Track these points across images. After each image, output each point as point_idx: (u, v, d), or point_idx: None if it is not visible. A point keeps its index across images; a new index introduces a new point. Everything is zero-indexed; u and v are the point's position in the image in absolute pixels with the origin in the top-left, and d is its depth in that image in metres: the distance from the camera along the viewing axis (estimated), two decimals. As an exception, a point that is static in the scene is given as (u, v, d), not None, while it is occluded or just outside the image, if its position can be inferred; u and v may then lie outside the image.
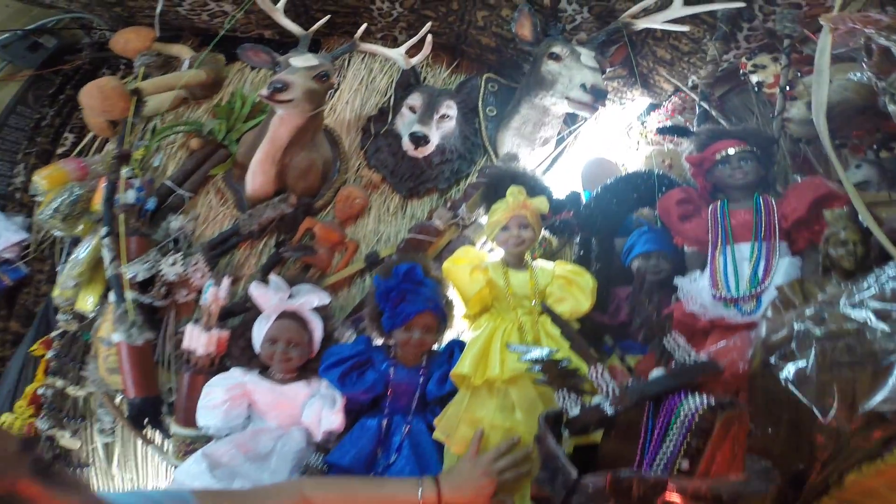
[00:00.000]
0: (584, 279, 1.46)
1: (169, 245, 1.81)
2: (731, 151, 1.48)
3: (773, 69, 1.84)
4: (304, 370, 1.46)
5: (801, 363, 1.08)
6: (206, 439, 1.40)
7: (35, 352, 1.83)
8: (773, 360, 1.13)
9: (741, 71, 1.93)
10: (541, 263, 1.52)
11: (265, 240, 1.84)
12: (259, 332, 1.47)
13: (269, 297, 1.45)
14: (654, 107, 2.16)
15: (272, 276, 1.51)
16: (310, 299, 1.48)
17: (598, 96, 1.68)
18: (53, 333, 1.83)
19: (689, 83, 2.09)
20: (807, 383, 1.06)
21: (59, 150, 2.29)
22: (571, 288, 1.45)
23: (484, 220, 1.63)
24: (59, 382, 1.78)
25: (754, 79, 1.88)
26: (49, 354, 1.80)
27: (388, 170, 1.90)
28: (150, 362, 1.64)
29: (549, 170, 1.96)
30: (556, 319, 1.15)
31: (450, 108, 1.88)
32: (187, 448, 1.50)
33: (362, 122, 2.03)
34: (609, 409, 1.04)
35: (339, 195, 1.83)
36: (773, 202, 1.43)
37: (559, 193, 1.64)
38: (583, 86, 1.70)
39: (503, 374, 1.30)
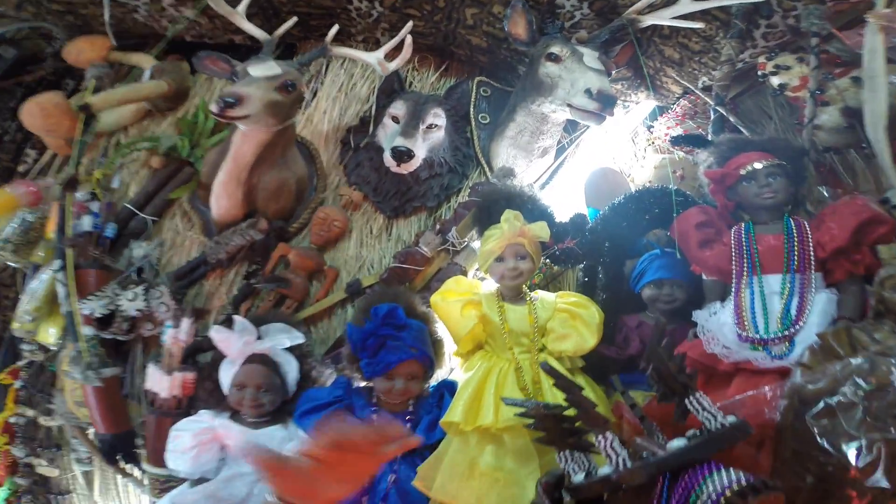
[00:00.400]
0: (590, 312, 1.29)
1: (132, 275, 1.66)
2: (758, 166, 1.29)
3: (799, 70, 1.64)
4: (280, 412, 1.34)
5: (843, 419, 0.92)
6: (181, 479, 1.34)
7: (2, 381, 1.76)
8: (806, 412, 0.97)
9: (760, 72, 1.73)
10: (541, 295, 1.35)
11: (236, 268, 1.66)
12: (226, 377, 1.31)
13: (233, 341, 1.28)
14: (661, 110, 1.97)
15: (236, 318, 1.34)
16: (279, 340, 1.31)
17: (606, 104, 1.48)
18: (20, 363, 1.75)
19: (700, 85, 1.90)
20: (848, 440, 0.90)
21: (21, 168, 2.13)
22: (575, 322, 1.29)
23: (476, 244, 1.45)
24: (30, 412, 1.71)
25: (776, 81, 1.69)
26: (17, 384, 1.73)
27: (371, 187, 1.71)
28: (116, 398, 1.53)
29: (548, 183, 1.78)
30: (559, 382, 0.98)
31: (437, 117, 1.69)
32: (162, 486, 1.43)
33: (341, 133, 1.84)
34: (616, 482, 0.89)
35: (315, 217, 1.65)
36: (807, 226, 1.24)
37: (561, 215, 1.45)
38: (587, 91, 1.50)
39: (497, 424, 1.17)
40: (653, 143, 1.87)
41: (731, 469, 0.81)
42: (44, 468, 1.65)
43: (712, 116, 1.73)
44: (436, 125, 1.69)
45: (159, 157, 1.79)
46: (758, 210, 1.30)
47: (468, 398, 1.21)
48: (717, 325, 1.22)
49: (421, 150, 1.63)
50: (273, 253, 1.61)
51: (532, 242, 1.30)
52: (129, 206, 1.77)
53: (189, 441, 1.26)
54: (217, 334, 1.30)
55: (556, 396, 1.21)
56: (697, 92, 1.81)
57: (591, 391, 1.22)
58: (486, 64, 1.94)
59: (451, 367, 1.47)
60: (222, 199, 1.60)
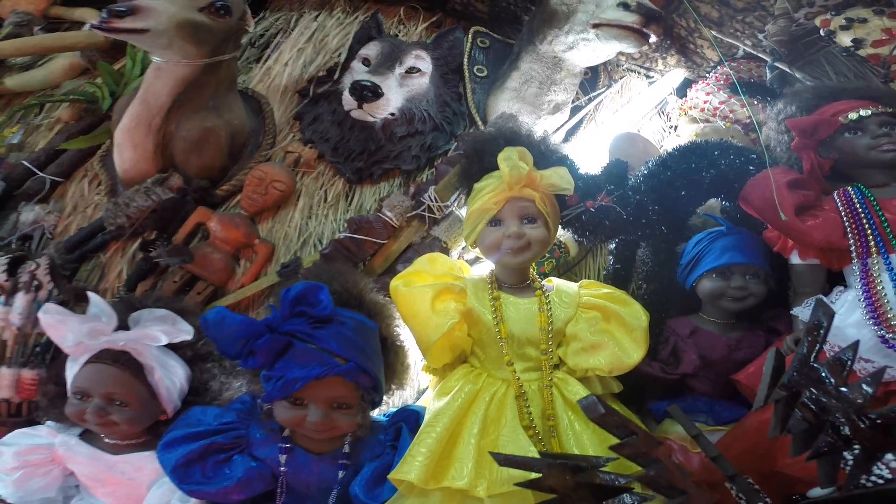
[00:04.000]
0: (632, 311, 0.79)
1: (12, 243, 1.18)
2: (866, 113, 0.86)
3: (879, 23, 1.23)
4: (153, 434, 0.87)
5: None
6: None
7: None
8: None
9: (823, 30, 1.29)
10: (557, 284, 0.83)
11: (143, 238, 1.15)
12: (69, 378, 0.81)
13: (70, 325, 0.77)
14: (690, 81, 1.51)
15: (92, 295, 0.82)
16: (150, 333, 0.79)
17: (649, 17, 1.01)
18: None
19: (741, 52, 1.45)
20: None
21: None
22: (610, 326, 0.78)
23: (463, 211, 0.95)
24: None
25: (846, 38, 1.26)
26: None
27: (329, 145, 1.22)
28: None
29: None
30: (609, 419, 0.46)
31: (420, 60, 1.23)
32: None
33: (302, 85, 1.36)
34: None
35: (249, 177, 1.14)
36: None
37: (588, 166, 0.92)
38: (623, 4, 1.03)
39: (477, 484, 0.66)
40: (687, 111, 1.39)
41: None
42: None
43: (769, 76, 1.27)
44: (417, 69, 1.22)
45: (70, 108, 1.36)
46: (872, 169, 0.85)
47: (435, 441, 0.68)
48: (839, 328, 0.71)
49: (394, 95, 1.15)
50: (188, 219, 1.10)
51: (546, 197, 0.79)
52: (26, 163, 1.30)
53: (11, 461, 0.86)
54: (45, 315, 0.77)
55: (580, 441, 0.69)
56: (750, 50, 1.35)
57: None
58: (485, 14, 1.50)
59: (418, 388, 0.94)
60: (127, 150, 1.13)
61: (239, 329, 0.66)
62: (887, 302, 0.71)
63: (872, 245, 0.75)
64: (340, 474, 0.75)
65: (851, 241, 0.77)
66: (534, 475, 0.53)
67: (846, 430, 0.43)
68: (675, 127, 1.42)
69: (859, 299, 0.73)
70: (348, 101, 1.12)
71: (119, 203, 1.12)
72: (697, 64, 1.55)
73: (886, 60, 1.18)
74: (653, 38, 1.06)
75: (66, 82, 1.47)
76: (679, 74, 1.53)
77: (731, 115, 1.36)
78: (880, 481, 0.43)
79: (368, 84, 1.08)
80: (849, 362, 0.46)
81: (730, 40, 1.41)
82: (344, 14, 1.56)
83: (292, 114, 1.34)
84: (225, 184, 1.19)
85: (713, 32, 1.44)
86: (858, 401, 0.42)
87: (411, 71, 1.21)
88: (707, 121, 1.38)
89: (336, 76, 1.29)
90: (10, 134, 1.44)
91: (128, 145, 1.12)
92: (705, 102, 1.38)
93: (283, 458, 0.73)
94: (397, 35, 1.48)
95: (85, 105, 1.39)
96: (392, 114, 1.16)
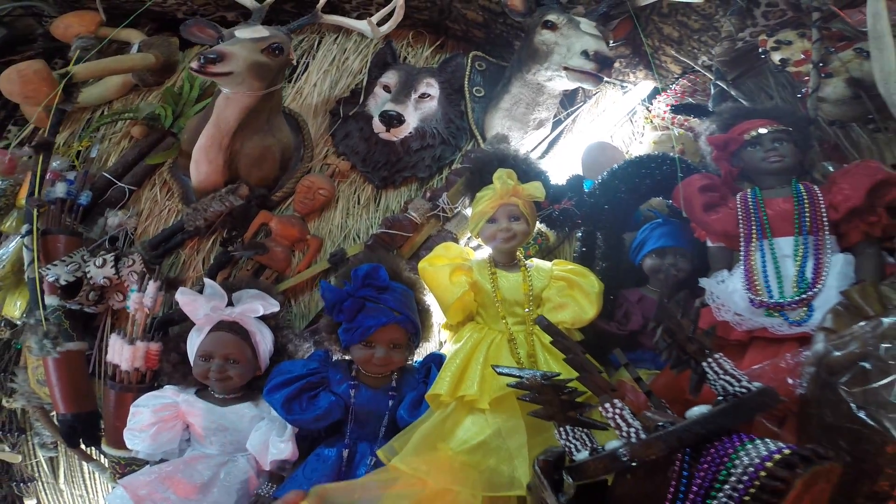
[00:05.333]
0: (589, 281, 1.15)
1: (104, 244, 1.52)
2: (763, 131, 1.20)
3: (801, 45, 1.55)
4: (250, 389, 1.20)
5: (879, 386, 0.78)
6: (144, 461, 1.20)
7: (-33, 359, 1.59)
8: (835, 381, 0.83)
9: (760, 49, 1.63)
10: (536, 263, 1.21)
11: (215, 237, 1.51)
12: (192, 345, 1.15)
13: (200, 304, 1.13)
14: (659, 90, 1.85)
15: (207, 281, 1.19)
16: (252, 307, 1.16)
17: (603, 64, 1.37)
18: (-16, 340, 1.59)
19: (700, 63, 1.79)
20: (886, 410, 0.76)
21: (1, 144, 1.99)
22: (573, 291, 1.14)
23: (468, 211, 1.32)
24: (-7, 393, 1.56)
25: (776, 56, 1.59)
26: (-21, 363, 1.57)
27: (359, 157, 1.58)
28: (80, 375, 1.38)
29: (544, 156, 1.65)
30: (558, 342, 0.83)
31: (430, 87, 1.57)
32: (123, 470, 1.28)
33: (331, 105, 1.71)
34: (629, 458, 0.73)
35: (299, 185, 1.50)
36: (817, 189, 1.12)
37: (557, 178, 1.31)
38: (584, 53, 1.39)
39: (482, 396, 1.00)
40: (651, 120, 1.75)
41: (768, 439, 0.66)
42: (6, 454, 1.52)
43: (712, 91, 1.62)
44: (428, 95, 1.57)
45: (140, 126, 1.66)
46: (764, 175, 1.20)
47: (456, 370, 1.06)
48: (727, 293, 1.08)
49: (412, 118, 1.50)
50: (254, 220, 1.46)
51: (526, 203, 1.17)
52: (106, 174, 1.64)
53: (148, 418, 1.13)
54: (182, 297, 1.14)
55: (552, 369, 1.07)
56: (699, 69, 1.70)
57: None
58: (481, 40, 1.83)
59: (440, 341, 1.32)
60: (202, 165, 1.46)
61: (333, 295, 1.04)
62: (757, 274, 1.07)
63: (754, 233, 1.12)
64: (390, 403, 1.10)
65: (741, 230, 1.14)
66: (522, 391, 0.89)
67: (687, 350, 0.80)
68: (642, 133, 1.78)
69: (741, 273, 1.09)
70: (378, 126, 1.47)
71: (198, 208, 1.47)
72: (663, 76, 1.90)
73: (803, 79, 1.53)
74: (605, 79, 1.41)
75: (141, 102, 1.75)
76: (647, 86, 1.87)
77: (685, 124, 1.71)
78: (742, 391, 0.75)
79: (394, 114, 1.43)
80: (684, 304, 0.83)
81: (685, 59, 1.76)
82: (360, 37, 1.88)
83: (325, 130, 1.68)
84: (278, 191, 1.54)
85: (671, 52, 1.78)
86: (689, 330, 0.80)
87: (423, 96, 1.55)
88: (667, 128, 1.74)
89: (361, 99, 1.64)
90: (86, 145, 1.76)
91: (203, 161, 1.44)
92: (665, 112, 1.74)
93: (352, 392, 1.10)
94: (407, 57, 1.82)
95: (148, 122, 1.71)
96: (409, 133, 1.52)
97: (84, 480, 1.53)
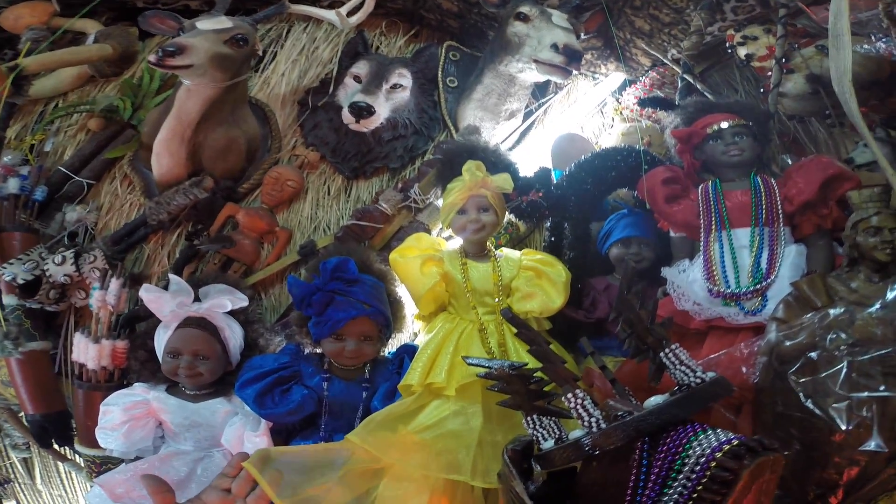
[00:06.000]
0: (556, 271, 1.17)
1: (63, 240, 1.47)
2: (724, 125, 1.24)
3: (766, 41, 1.59)
4: (222, 384, 1.18)
5: (825, 375, 0.83)
6: (118, 459, 1.19)
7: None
8: (786, 370, 0.88)
9: (728, 44, 1.67)
10: (506, 253, 1.22)
11: (179, 231, 1.47)
12: (160, 342, 1.13)
13: (165, 301, 1.10)
14: (629, 82, 1.88)
15: (172, 277, 1.16)
16: (220, 302, 1.14)
17: (571, 57, 1.38)
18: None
19: (670, 56, 1.82)
20: (831, 399, 0.81)
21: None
22: (541, 281, 1.17)
23: (440, 202, 1.32)
24: (-44, 396, 1.50)
25: (742, 52, 1.64)
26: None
27: (329, 148, 1.55)
28: (46, 374, 1.36)
29: (515, 146, 1.66)
30: (522, 332, 0.85)
31: (402, 77, 1.55)
32: (99, 468, 1.27)
33: (300, 95, 1.67)
34: (591, 447, 0.76)
35: (267, 177, 1.48)
36: (773, 182, 1.17)
37: (526, 171, 1.33)
38: (554, 45, 1.40)
39: (449, 384, 1.02)
40: (620, 112, 1.78)
41: (720, 430, 0.69)
42: None
43: (679, 85, 1.66)
44: (400, 85, 1.55)
45: (97, 118, 1.60)
46: (724, 168, 1.24)
47: (427, 360, 1.07)
48: (687, 282, 1.13)
49: (383, 109, 1.49)
50: (220, 213, 1.43)
51: (495, 195, 1.18)
52: (62, 168, 1.57)
53: (119, 416, 1.11)
54: (147, 294, 1.11)
55: (522, 359, 1.09)
56: (668, 62, 1.73)
57: (558, 352, 1.10)
58: (456, 30, 1.82)
59: (413, 333, 1.33)
60: (164, 158, 1.42)
61: (300, 290, 1.03)
62: (715, 265, 1.12)
63: (713, 224, 1.16)
64: (364, 395, 1.10)
65: (701, 221, 1.18)
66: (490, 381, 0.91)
67: (645, 341, 0.83)
68: (612, 125, 1.81)
69: (701, 263, 1.14)
70: (347, 117, 1.45)
71: (161, 202, 1.43)
72: (633, 69, 1.92)
73: (765, 73, 1.58)
74: (574, 72, 1.43)
75: (98, 94, 1.68)
76: (618, 78, 1.90)
77: (653, 116, 1.75)
78: (697, 381, 0.79)
79: (363, 105, 1.42)
80: (642, 294, 0.86)
81: (654, 52, 1.79)
82: (331, 27, 1.83)
83: (293, 120, 1.65)
84: (245, 182, 1.51)
85: (642, 44, 1.81)
86: (647, 321, 0.83)
87: (395, 87, 1.54)
88: (635, 120, 1.77)
89: (331, 89, 1.61)
90: (40, 139, 1.68)
91: (165, 154, 1.40)
92: (634, 104, 1.77)
93: (325, 384, 1.10)
94: (379, 47, 1.79)
95: (106, 114, 1.65)
96: (381, 123, 1.50)
97: (62, 480, 1.51)
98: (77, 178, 1.55)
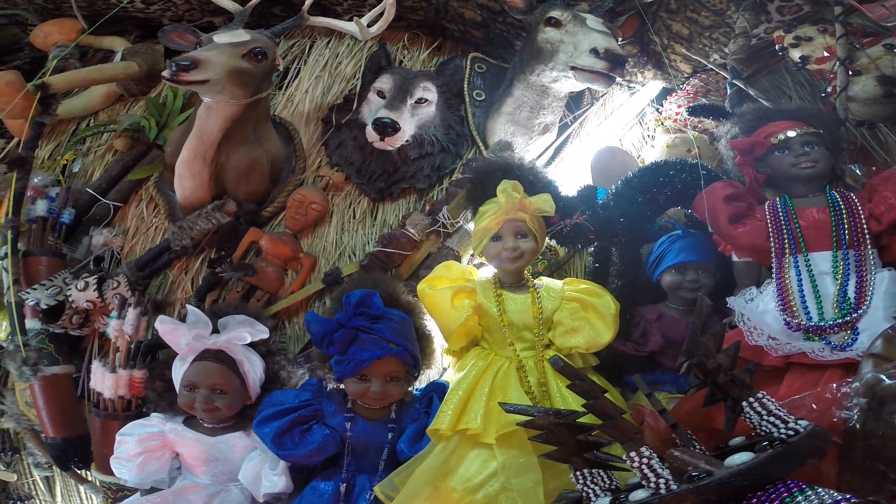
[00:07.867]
0: (604, 302, 1.05)
1: (88, 265, 1.45)
2: (792, 134, 1.10)
3: (822, 41, 1.43)
4: (241, 417, 1.13)
5: None
6: (134, 487, 1.16)
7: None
8: (885, 411, 0.73)
9: (777, 46, 1.52)
10: (546, 282, 1.10)
11: (203, 257, 1.42)
12: (176, 375, 1.08)
13: (181, 333, 1.04)
14: (667, 91, 1.75)
15: (189, 307, 1.09)
16: (239, 334, 1.07)
17: (615, 63, 1.26)
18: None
19: (713, 61, 1.68)
20: None
21: (-18, 159, 1.92)
22: (587, 314, 1.04)
23: (471, 225, 1.22)
24: (-18, 415, 1.52)
25: (796, 54, 1.48)
26: (-33, 384, 1.54)
27: (354, 168, 1.48)
28: (68, 398, 1.33)
29: (551, 163, 1.54)
30: (576, 385, 0.73)
31: (427, 91, 1.47)
32: (115, 495, 1.26)
33: (324, 112, 1.61)
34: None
35: (290, 200, 1.41)
36: (854, 197, 1.02)
37: (566, 190, 1.21)
38: (594, 50, 1.28)
39: (486, 430, 0.91)
40: (663, 122, 1.64)
41: (822, 488, 0.56)
42: (1, 472, 1.47)
43: (729, 91, 1.51)
44: (426, 100, 1.47)
45: (122, 138, 1.58)
46: (794, 182, 1.09)
47: (458, 402, 0.96)
48: (757, 313, 0.98)
49: (408, 126, 1.40)
50: (243, 239, 1.37)
51: (534, 218, 1.07)
52: (90, 190, 1.56)
53: (134, 448, 1.08)
54: (162, 325, 1.05)
55: (566, 401, 0.97)
56: (712, 66, 1.59)
57: (612, 396, 0.97)
58: (480, 40, 1.73)
59: (443, 368, 1.22)
60: (186, 180, 1.37)
61: (320, 327, 0.94)
62: (792, 294, 0.97)
63: (786, 247, 1.01)
64: (389, 436, 1.01)
65: (772, 244, 1.03)
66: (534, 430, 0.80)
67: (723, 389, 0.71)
68: (653, 136, 1.67)
69: (774, 291, 0.99)
70: (371, 135, 1.37)
71: (184, 227, 1.38)
72: (673, 76, 1.79)
73: (826, 77, 1.42)
74: (617, 79, 1.31)
75: (123, 115, 1.67)
76: (656, 86, 1.77)
77: (699, 126, 1.60)
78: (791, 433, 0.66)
79: (388, 121, 1.34)
80: (720, 336, 0.73)
81: (696, 56, 1.65)
82: (353, 41, 1.79)
83: (317, 139, 1.59)
84: (269, 205, 1.45)
85: (682, 50, 1.67)
86: (725, 364, 0.70)
87: (420, 101, 1.45)
88: (680, 130, 1.63)
89: (354, 106, 1.54)
90: (69, 159, 1.68)
91: (188, 175, 1.35)
92: (677, 114, 1.62)
93: (348, 425, 1.01)
94: (402, 60, 1.72)
95: (132, 134, 1.63)
96: (406, 141, 1.42)
97: (81, 500, 1.48)
98: (104, 200, 1.54)
